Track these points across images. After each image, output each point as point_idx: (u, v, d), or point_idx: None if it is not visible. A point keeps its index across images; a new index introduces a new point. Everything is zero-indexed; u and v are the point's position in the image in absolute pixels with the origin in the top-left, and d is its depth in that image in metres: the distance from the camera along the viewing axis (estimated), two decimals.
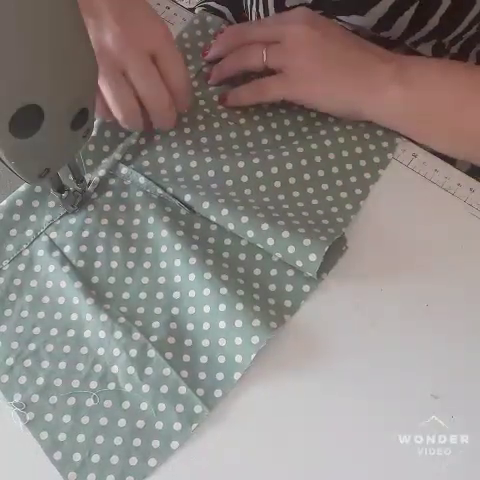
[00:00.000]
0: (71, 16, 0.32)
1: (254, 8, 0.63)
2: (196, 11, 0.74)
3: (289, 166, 0.48)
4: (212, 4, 0.73)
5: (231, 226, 0.45)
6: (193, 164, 0.49)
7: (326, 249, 0.42)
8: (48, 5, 0.30)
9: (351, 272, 0.45)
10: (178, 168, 0.49)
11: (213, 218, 0.46)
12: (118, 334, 0.42)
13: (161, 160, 0.49)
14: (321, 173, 0.49)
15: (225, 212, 0.45)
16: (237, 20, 0.71)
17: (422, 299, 0.44)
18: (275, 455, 0.40)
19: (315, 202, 0.47)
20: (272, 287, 0.45)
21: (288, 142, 0.51)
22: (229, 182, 0.48)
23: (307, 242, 0.43)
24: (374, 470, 0.39)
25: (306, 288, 0.45)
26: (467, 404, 0.41)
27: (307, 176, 0.48)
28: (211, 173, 0.48)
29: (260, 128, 0.51)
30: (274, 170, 0.48)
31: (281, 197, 0.47)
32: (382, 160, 0.50)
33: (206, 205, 0.46)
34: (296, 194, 0.48)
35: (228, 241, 0.46)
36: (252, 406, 0.41)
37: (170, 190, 0.47)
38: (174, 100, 0.47)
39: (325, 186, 0.48)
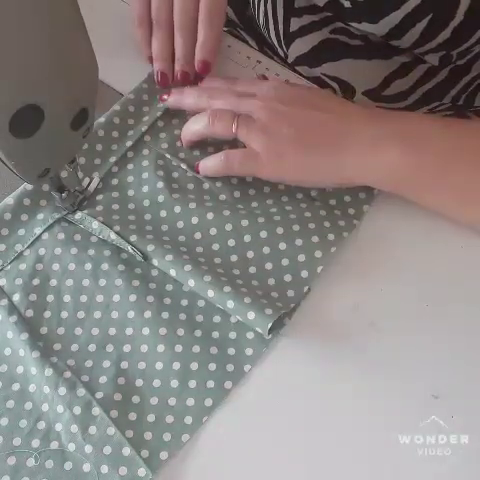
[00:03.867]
0: (71, 16, 0.32)
1: (262, 6, 0.62)
2: None
3: (261, 219, 0.46)
4: None
5: (192, 283, 0.43)
6: (152, 214, 0.47)
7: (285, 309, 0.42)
8: (48, 5, 0.30)
9: (351, 272, 0.45)
10: (132, 217, 0.47)
11: (173, 273, 0.44)
12: (62, 390, 0.40)
13: (115, 207, 0.47)
14: (280, 231, 0.45)
15: (188, 268, 0.43)
16: (240, 20, 0.71)
17: (422, 299, 0.44)
18: (275, 455, 0.40)
19: (285, 262, 0.45)
20: (231, 351, 0.42)
21: (261, 196, 0.48)
22: (197, 235, 0.46)
23: (268, 311, 0.41)
24: (374, 470, 0.39)
25: (262, 351, 0.42)
26: (467, 404, 0.41)
27: (280, 230, 0.45)
28: (180, 224, 0.46)
29: (233, 180, 0.49)
30: (244, 223, 0.46)
31: (250, 254, 0.45)
32: (347, 224, 0.47)
33: (169, 258, 0.43)
34: (267, 250, 0.45)
35: (185, 300, 0.44)
36: (252, 406, 0.41)
37: (130, 238, 0.45)
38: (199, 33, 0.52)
39: (298, 242, 0.45)
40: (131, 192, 0.48)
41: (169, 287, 0.44)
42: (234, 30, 0.71)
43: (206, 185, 0.48)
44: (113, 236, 0.45)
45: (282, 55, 0.64)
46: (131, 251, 0.44)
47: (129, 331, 0.43)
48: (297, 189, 0.48)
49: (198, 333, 0.43)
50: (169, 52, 0.53)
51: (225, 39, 0.59)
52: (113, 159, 0.49)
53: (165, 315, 0.43)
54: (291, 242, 0.45)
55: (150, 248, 0.44)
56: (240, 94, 0.48)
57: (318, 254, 0.45)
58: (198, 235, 0.46)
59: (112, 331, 0.43)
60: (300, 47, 0.61)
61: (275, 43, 0.64)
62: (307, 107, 0.46)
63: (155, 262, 0.44)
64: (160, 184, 0.48)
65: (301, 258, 0.44)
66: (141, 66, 0.56)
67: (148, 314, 0.43)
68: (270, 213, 0.46)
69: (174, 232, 0.46)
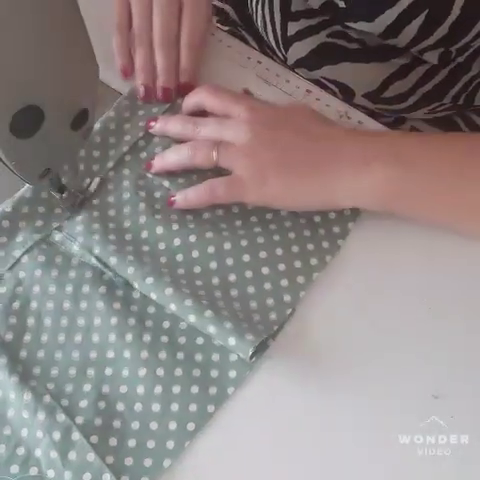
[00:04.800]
0: (71, 16, 0.32)
1: (259, 10, 0.62)
2: None
3: (244, 242, 0.45)
4: (215, 3, 0.73)
5: (173, 307, 0.42)
6: (133, 234, 0.46)
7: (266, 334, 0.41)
8: (48, 5, 0.30)
9: (351, 272, 0.45)
10: (112, 237, 0.45)
11: (154, 296, 0.43)
12: (41, 415, 0.40)
13: (95, 226, 0.46)
14: (264, 255, 0.45)
15: (169, 292, 0.42)
16: (241, 19, 0.71)
17: (422, 299, 0.44)
18: (275, 455, 0.40)
19: (267, 286, 0.44)
20: (214, 373, 0.42)
21: (245, 214, 0.47)
22: (179, 257, 0.45)
23: (250, 336, 0.40)
24: (374, 470, 0.39)
25: (246, 374, 0.42)
26: (467, 404, 0.41)
27: (263, 254, 0.45)
28: (161, 246, 0.45)
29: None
30: (227, 246, 0.45)
31: (232, 277, 0.44)
32: (331, 246, 0.46)
33: (150, 281, 0.43)
34: (249, 274, 0.44)
35: (167, 322, 0.43)
36: (251, 406, 0.41)
37: (110, 261, 0.44)
38: (181, 56, 0.51)
39: (280, 266, 0.45)
40: (112, 212, 0.47)
41: (151, 309, 0.44)
42: (235, 29, 0.71)
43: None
44: (93, 260, 0.44)
45: (281, 57, 0.64)
46: (111, 275, 0.44)
47: (110, 354, 0.42)
48: (281, 211, 0.47)
49: (180, 356, 0.42)
50: (152, 66, 0.52)
51: (225, 39, 0.59)
52: (96, 180, 0.48)
53: (147, 338, 0.42)
54: (274, 266, 0.44)
55: (130, 271, 0.43)
56: (223, 119, 0.47)
57: (300, 280, 0.44)
58: (180, 257, 0.45)
59: (93, 355, 0.42)
60: (299, 50, 0.61)
61: (274, 46, 0.64)
62: (289, 129, 0.45)
63: (135, 285, 0.43)
64: (142, 205, 0.47)
65: (284, 283, 0.44)
66: None
67: (129, 337, 0.42)
68: (254, 234, 0.46)
69: (155, 254, 0.45)
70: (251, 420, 0.41)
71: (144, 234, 0.46)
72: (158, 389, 0.41)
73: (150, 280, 0.42)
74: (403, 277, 0.45)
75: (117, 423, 0.40)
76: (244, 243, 0.45)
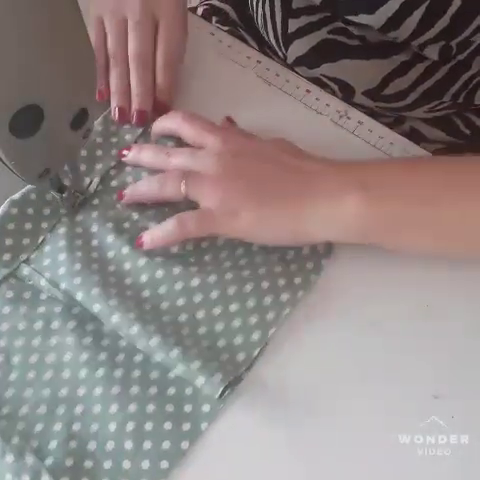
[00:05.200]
0: (71, 16, 0.32)
1: (260, 8, 0.62)
2: (199, 10, 0.75)
3: (213, 278, 0.44)
4: (215, 3, 0.73)
5: (140, 345, 0.41)
6: (100, 266, 0.44)
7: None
8: (48, 5, 0.30)
9: (351, 272, 0.45)
10: (77, 266, 0.44)
11: (121, 334, 0.42)
12: (10, 457, 0.38)
13: (62, 257, 0.44)
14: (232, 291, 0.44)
15: (134, 331, 0.41)
16: (241, 19, 0.71)
17: (422, 299, 0.44)
18: (274, 455, 0.40)
19: (236, 323, 0.43)
20: (188, 408, 0.40)
21: (214, 249, 0.46)
22: (146, 293, 0.44)
23: (218, 377, 0.39)
24: (374, 470, 0.39)
25: (219, 407, 0.40)
26: (467, 404, 0.41)
27: (232, 290, 0.43)
28: (128, 280, 0.44)
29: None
30: (195, 282, 0.44)
31: (200, 314, 0.43)
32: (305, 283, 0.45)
33: (115, 319, 0.41)
34: (217, 311, 0.43)
35: (139, 356, 0.42)
36: (250, 406, 0.41)
37: (77, 297, 0.43)
38: (157, 75, 0.50)
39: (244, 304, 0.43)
40: (79, 242, 0.45)
41: (122, 343, 0.42)
42: (234, 29, 0.71)
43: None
44: (60, 296, 0.43)
45: (281, 56, 0.64)
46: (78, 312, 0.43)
47: (81, 391, 0.41)
48: (253, 244, 0.46)
49: (153, 390, 0.41)
50: (127, 88, 0.51)
51: (225, 39, 0.59)
52: (63, 211, 0.47)
53: (118, 373, 0.41)
54: (243, 303, 0.43)
55: (96, 308, 0.42)
56: (195, 150, 0.45)
57: (270, 316, 0.43)
58: (147, 293, 0.44)
59: (63, 392, 0.41)
60: (299, 48, 0.61)
61: (274, 44, 0.64)
62: (260, 160, 0.44)
63: (102, 321, 0.42)
64: (110, 238, 0.45)
65: (253, 320, 0.43)
66: None
67: (100, 373, 0.41)
68: (223, 269, 0.44)
69: (122, 289, 0.43)
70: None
71: (111, 267, 0.45)
72: (130, 426, 0.39)
73: (115, 318, 0.41)
74: (403, 277, 0.45)
75: (89, 463, 0.39)
76: (213, 279, 0.44)
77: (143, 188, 0.46)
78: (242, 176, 0.43)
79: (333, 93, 0.61)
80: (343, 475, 0.39)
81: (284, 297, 0.43)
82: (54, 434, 0.40)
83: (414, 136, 0.54)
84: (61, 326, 0.43)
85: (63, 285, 0.43)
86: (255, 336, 0.42)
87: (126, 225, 0.46)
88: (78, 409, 0.40)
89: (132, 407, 0.40)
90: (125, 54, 0.51)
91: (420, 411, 0.41)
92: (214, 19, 0.72)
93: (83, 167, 0.48)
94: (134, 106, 0.50)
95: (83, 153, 0.48)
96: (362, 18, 0.52)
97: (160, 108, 0.51)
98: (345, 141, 0.53)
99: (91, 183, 0.48)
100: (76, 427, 0.40)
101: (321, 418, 0.41)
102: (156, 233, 0.44)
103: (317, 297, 0.45)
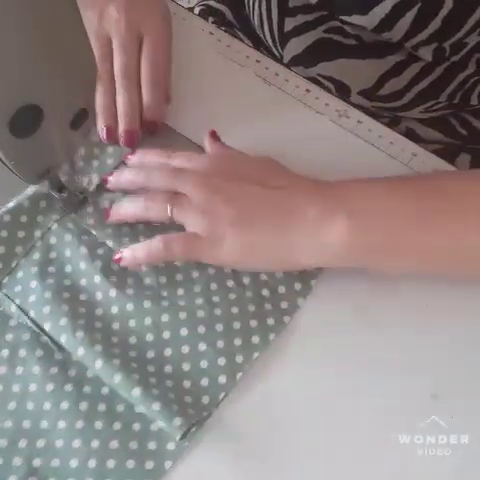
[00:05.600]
0: (71, 16, 0.32)
1: (257, 7, 0.62)
2: (195, 10, 0.74)
3: (183, 315, 0.43)
4: (211, 3, 0.73)
5: (105, 380, 0.40)
6: (71, 295, 0.43)
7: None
8: (48, 5, 0.30)
9: (351, 272, 0.45)
10: (47, 295, 0.43)
11: (86, 366, 0.41)
12: None
13: (33, 284, 0.43)
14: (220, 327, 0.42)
15: (99, 365, 0.40)
16: (237, 20, 0.71)
17: (422, 299, 0.45)
18: (274, 454, 0.40)
19: (204, 364, 0.41)
20: (152, 445, 0.39)
21: (188, 283, 0.45)
22: (115, 325, 0.42)
23: (178, 421, 0.38)
24: (374, 470, 0.39)
25: (184, 445, 0.39)
26: (467, 404, 0.41)
27: (202, 329, 0.42)
28: (99, 311, 0.43)
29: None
30: (165, 318, 0.43)
31: (168, 351, 0.42)
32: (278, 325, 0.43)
33: (81, 351, 0.40)
34: (186, 349, 0.42)
35: (106, 388, 0.41)
36: (250, 406, 0.41)
37: (45, 326, 0.41)
38: (144, 93, 0.49)
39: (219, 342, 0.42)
40: (52, 269, 0.44)
41: (90, 374, 0.41)
42: (231, 30, 0.71)
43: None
44: (29, 323, 0.42)
45: (278, 56, 0.64)
46: (49, 341, 0.41)
47: (44, 424, 0.39)
48: (228, 275, 0.45)
49: (117, 426, 0.39)
50: (114, 107, 0.49)
51: (224, 39, 0.59)
52: (38, 233, 0.46)
53: (83, 406, 0.39)
54: (212, 343, 0.42)
55: (63, 339, 0.41)
56: (177, 171, 0.44)
57: (239, 359, 0.41)
58: (116, 325, 0.42)
59: (26, 424, 0.39)
60: (295, 47, 0.61)
61: (270, 44, 0.64)
62: (246, 182, 0.43)
63: (69, 352, 0.41)
64: (82, 265, 0.44)
65: (221, 362, 0.41)
66: None
67: (65, 405, 0.39)
68: (194, 306, 0.43)
69: (91, 320, 0.42)
70: None
71: (83, 296, 0.43)
72: (92, 463, 0.38)
73: (81, 351, 0.40)
74: (403, 277, 0.45)
75: None
76: (183, 315, 0.43)
77: (129, 207, 0.45)
78: (228, 202, 0.42)
79: (329, 92, 0.61)
80: (343, 475, 0.39)
81: (255, 340, 0.42)
82: (13, 470, 0.38)
83: (410, 137, 0.54)
84: (28, 355, 0.41)
85: (32, 313, 0.42)
86: (221, 380, 0.41)
87: (100, 252, 0.45)
88: (40, 443, 0.39)
89: (95, 443, 0.38)
90: (111, 72, 0.50)
91: (420, 411, 0.41)
92: (210, 19, 0.72)
93: (24, 218, 0.46)
94: (121, 127, 0.49)
95: (26, 204, 0.46)
96: (355, 19, 0.53)
97: (149, 127, 0.50)
98: (344, 140, 0.53)
99: (90, 182, 0.48)
100: (36, 463, 0.38)
101: (321, 418, 0.41)
102: (139, 251, 0.43)
103: (317, 296, 0.45)
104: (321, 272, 0.45)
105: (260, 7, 0.62)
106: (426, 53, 0.55)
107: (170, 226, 0.44)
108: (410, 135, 0.65)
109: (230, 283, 0.44)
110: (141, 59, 0.50)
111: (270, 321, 0.43)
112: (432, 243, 0.41)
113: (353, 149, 0.53)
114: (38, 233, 0.46)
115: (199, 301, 0.43)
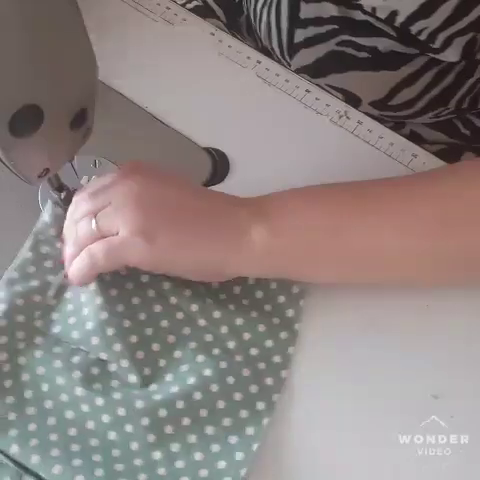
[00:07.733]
0: (71, 16, 0.32)
1: (264, 17, 0.61)
2: (187, 6, 0.74)
3: (180, 405, 0.40)
4: (209, 1, 0.72)
5: None
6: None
7: None
8: (48, 5, 0.30)
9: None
10: (11, 417, 0.39)
11: None
12: None
13: (10, 400, 0.40)
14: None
15: None
16: (229, 26, 0.70)
17: (422, 299, 0.44)
18: (274, 454, 0.40)
19: (216, 449, 0.39)
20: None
21: (175, 369, 0.42)
22: (111, 435, 0.39)
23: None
24: (374, 470, 0.39)
25: None
26: (467, 404, 0.41)
27: (204, 412, 0.40)
28: (72, 432, 0.39)
29: (139, 354, 0.42)
30: (162, 413, 0.39)
31: (175, 447, 0.39)
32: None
33: (57, 469, 0.37)
34: (192, 439, 0.39)
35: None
36: None
37: (9, 450, 0.38)
38: None
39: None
40: (26, 376, 0.41)
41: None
42: (229, 31, 0.71)
43: (113, 366, 0.41)
44: (10, 464, 0.38)
45: (285, 64, 0.64)
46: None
47: None
48: (213, 344, 0.42)
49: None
50: None
51: (225, 39, 0.59)
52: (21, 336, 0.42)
53: None
54: (218, 423, 0.39)
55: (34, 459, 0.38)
56: (92, 193, 0.41)
57: (250, 431, 0.39)
58: (112, 435, 0.39)
59: None
60: (304, 58, 0.60)
61: (278, 53, 0.63)
62: (168, 186, 0.41)
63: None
64: (60, 380, 0.40)
65: (232, 440, 0.39)
66: (141, 66, 0.56)
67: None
68: (190, 388, 0.40)
69: (86, 446, 0.39)
70: None
71: (69, 414, 0.40)
72: None
73: (58, 468, 0.37)
74: None
75: None
76: (180, 405, 0.40)
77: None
78: (153, 202, 0.40)
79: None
80: (343, 475, 0.39)
81: (260, 406, 0.40)
82: None
83: (413, 138, 0.54)
84: None
85: (15, 448, 0.38)
86: (239, 456, 0.38)
87: (75, 360, 0.41)
88: None
89: None
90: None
91: (420, 411, 0.41)
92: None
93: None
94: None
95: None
96: (391, 2, 0.48)
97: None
98: (345, 141, 0.53)
99: (89, 182, 0.48)
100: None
101: (321, 418, 0.41)
102: (73, 268, 0.41)
103: (317, 296, 0.45)
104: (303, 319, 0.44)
105: (269, 16, 0.61)
106: (455, 51, 0.51)
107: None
108: (413, 137, 0.65)
109: (216, 351, 0.42)
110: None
111: (269, 381, 0.41)
112: (349, 245, 0.40)
113: (353, 150, 0.53)
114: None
115: (191, 381, 0.40)
